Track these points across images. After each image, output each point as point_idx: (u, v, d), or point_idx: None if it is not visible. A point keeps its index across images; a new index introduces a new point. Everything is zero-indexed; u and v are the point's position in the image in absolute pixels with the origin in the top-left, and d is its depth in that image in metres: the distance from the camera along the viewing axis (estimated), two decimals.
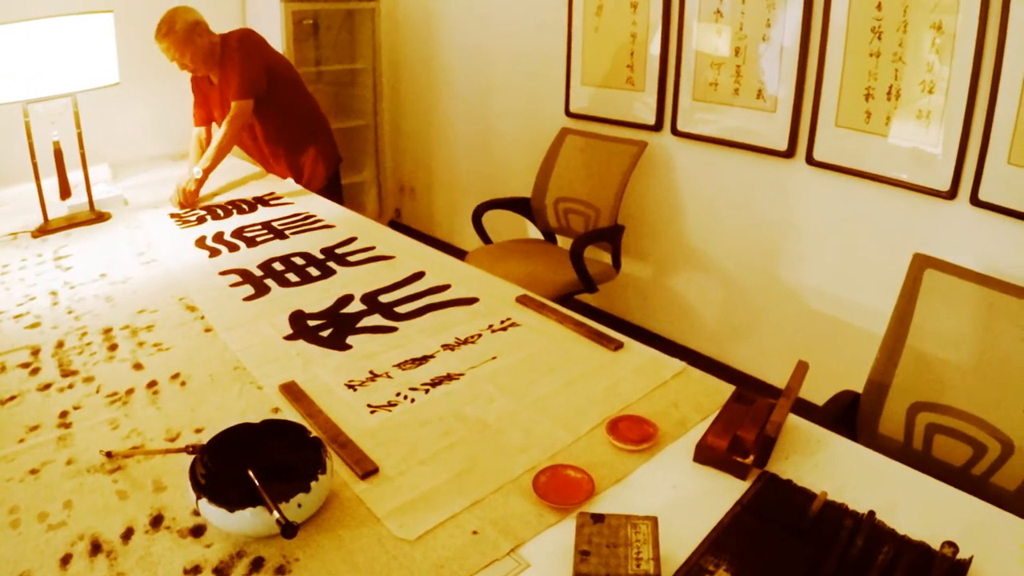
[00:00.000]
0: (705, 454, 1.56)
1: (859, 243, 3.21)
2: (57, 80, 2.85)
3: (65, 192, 3.23)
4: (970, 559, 1.28)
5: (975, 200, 2.83)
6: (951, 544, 1.28)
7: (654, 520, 1.29)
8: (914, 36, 2.87)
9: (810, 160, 3.24)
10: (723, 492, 1.48)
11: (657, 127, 3.81)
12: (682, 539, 1.34)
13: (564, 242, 3.97)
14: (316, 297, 2.36)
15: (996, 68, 2.68)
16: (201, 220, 3.13)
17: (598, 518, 1.30)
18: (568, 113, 4.30)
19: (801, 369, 1.72)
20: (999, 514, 1.43)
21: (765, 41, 3.31)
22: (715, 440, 1.56)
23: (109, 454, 1.56)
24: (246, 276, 2.53)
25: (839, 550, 1.30)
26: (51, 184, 3.13)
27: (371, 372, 1.92)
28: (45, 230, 2.98)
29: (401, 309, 2.27)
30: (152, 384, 1.86)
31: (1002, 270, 2.61)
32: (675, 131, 3.74)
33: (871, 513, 1.38)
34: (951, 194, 2.90)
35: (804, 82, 3.22)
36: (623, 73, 3.95)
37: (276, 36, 4.58)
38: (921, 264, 2.06)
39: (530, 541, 1.35)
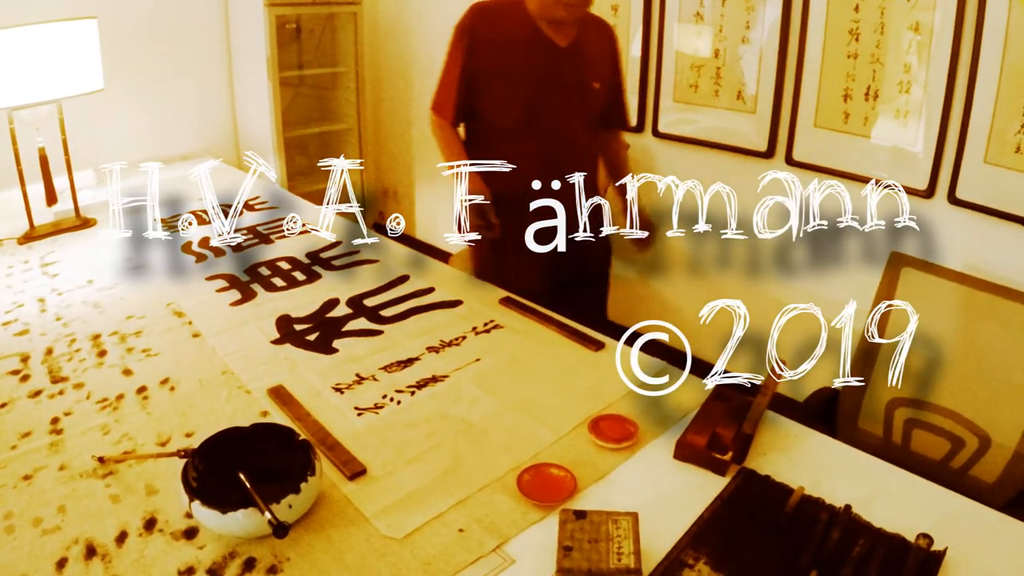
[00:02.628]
0: (684, 451, 1.59)
1: (839, 242, 3.24)
2: (42, 86, 2.85)
3: (51, 198, 3.23)
4: (944, 550, 1.31)
5: (952, 199, 2.87)
6: (926, 536, 1.31)
7: (634, 516, 1.32)
8: (891, 37, 2.91)
9: (789, 160, 3.27)
10: (702, 488, 1.51)
11: (638, 129, 3.84)
12: (663, 534, 1.37)
13: None
14: (302, 301, 2.38)
15: (972, 68, 2.71)
16: (187, 225, 3.13)
17: (580, 514, 1.33)
18: None
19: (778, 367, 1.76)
20: (973, 506, 1.47)
21: (745, 43, 3.34)
22: (694, 438, 1.59)
23: (101, 459, 1.57)
24: (232, 281, 2.54)
25: (815, 543, 1.33)
26: (37, 190, 3.14)
27: (357, 375, 1.95)
28: (31, 236, 2.98)
29: (386, 312, 2.30)
30: (142, 390, 1.88)
31: (979, 267, 2.65)
32: (656, 132, 3.78)
33: (847, 507, 1.41)
34: (929, 193, 2.94)
35: (783, 83, 3.25)
36: None
37: (260, 40, 4.58)
38: (898, 262, 2.10)
39: (515, 538, 1.38)
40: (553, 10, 2.41)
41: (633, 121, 3.83)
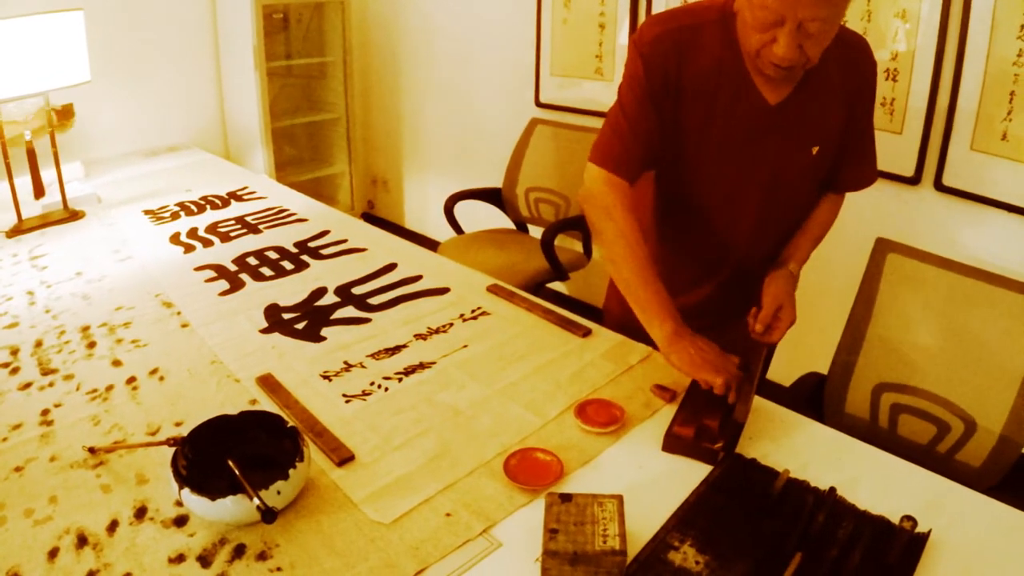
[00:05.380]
0: (673, 444, 1.59)
1: None
2: (29, 79, 2.85)
3: (39, 191, 3.24)
4: (928, 532, 1.32)
5: (939, 185, 2.89)
6: (910, 518, 1.32)
7: (619, 498, 1.33)
8: (878, 25, 2.92)
9: None
10: (689, 472, 1.52)
11: None
12: (649, 517, 1.38)
13: (536, 231, 4.00)
14: (290, 290, 2.38)
15: (959, 55, 2.73)
16: (175, 216, 3.14)
17: (566, 498, 1.33)
18: (538, 103, 4.32)
19: (758, 351, 1.77)
20: (956, 488, 1.48)
21: None
22: (682, 429, 1.59)
23: (92, 449, 1.58)
24: (221, 271, 2.55)
25: (801, 525, 1.34)
26: (24, 183, 3.14)
27: (345, 363, 1.95)
28: (19, 230, 2.98)
29: (374, 300, 2.30)
30: (131, 380, 1.88)
31: (966, 253, 2.67)
32: None
33: (832, 489, 1.42)
34: (915, 179, 2.95)
35: None
36: (592, 63, 3.98)
37: (247, 30, 4.57)
38: (884, 249, 2.11)
39: (502, 522, 1.39)
40: (760, 65, 1.69)
41: None
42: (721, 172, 1.86)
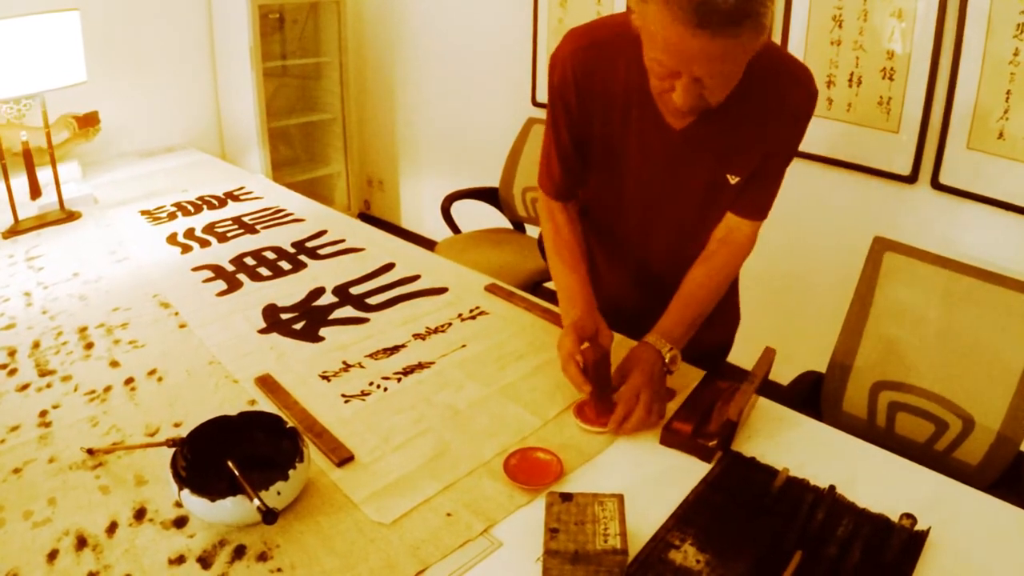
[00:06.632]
0: (670, 438, 1.60)
1: (822, 228, 3.26)
2: (24, 79, 2.84)
3: (35, 192, 3.23)
4: (927, 530, 1.33)
5: (936, 184, 2.89)
6: (909, 516, 1.32)
7: (620, 497, 1.33)
8: (874, 23, 2.92)
9: None
10: (688, 471, 1.52)
11: None
12: (649, 516, 1.38)
13: (532, 230, 4.00)
14: (288, 290, 2.38)
15: (955, 54, 2.73)
16: (172, 217, 3.13)
17: (566, 497, 1.33)
18: (535, 103, 4.32)
19: (768, 356, 1.76)
20: (956, 486, 1.48)
21: None
22: (680, 424, 1.60)
23: (90, 451, 1.58)
24: (218, 271, 2.54)
25: (800, 523, 1.34)
26: (20, 184, 3.13)
27: (344, 363, 1.95)
28: (15, 231, 2.97)
29: (372, 300, 2.30)
30: (129, 381, 1.88)
31: (963, 251, 2.67)
32: None
33: (831, 487, 1.42)
34: (912, 178, 2.96)
35: None
36: None
37: (243, 30, 4.57)
38: (881, 247, 2.11)
39: (502, 521, 1.39)
40: (664, 103, 1.63)
41: None
42: (635, 190, 1.86)
